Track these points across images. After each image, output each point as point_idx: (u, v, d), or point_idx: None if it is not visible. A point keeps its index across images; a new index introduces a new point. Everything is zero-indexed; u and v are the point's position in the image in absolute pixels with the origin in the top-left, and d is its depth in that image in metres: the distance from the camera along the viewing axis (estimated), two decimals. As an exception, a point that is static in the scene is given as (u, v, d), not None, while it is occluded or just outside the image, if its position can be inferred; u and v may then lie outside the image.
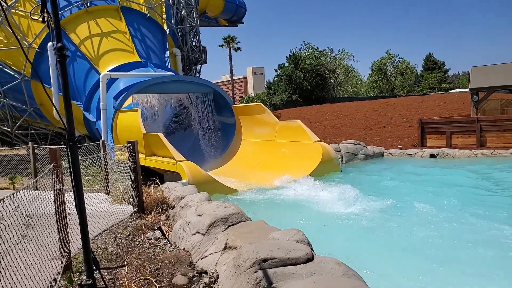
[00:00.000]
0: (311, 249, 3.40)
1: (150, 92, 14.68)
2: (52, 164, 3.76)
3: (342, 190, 9.40)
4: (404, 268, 5.13)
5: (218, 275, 4.01)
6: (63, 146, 8.19)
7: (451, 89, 55.17)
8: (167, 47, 19.30)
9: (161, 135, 11.17)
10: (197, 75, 25.65)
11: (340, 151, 14.80)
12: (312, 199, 9.14)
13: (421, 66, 68.55)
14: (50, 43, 15.04)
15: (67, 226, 4.06)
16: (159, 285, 3.96)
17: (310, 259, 2.98)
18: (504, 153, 14.65)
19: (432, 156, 15.26)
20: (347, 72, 53.58)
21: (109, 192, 8.38)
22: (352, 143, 15.59)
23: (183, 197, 7.12)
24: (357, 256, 5.34)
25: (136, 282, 4.07)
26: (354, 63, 75.29)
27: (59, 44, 2.06)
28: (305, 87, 44.19)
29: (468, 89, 21.96)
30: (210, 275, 4.10)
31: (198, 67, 25.79)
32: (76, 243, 4.20)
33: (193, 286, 3.93)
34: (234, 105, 15.74)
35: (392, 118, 25.04)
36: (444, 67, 68.31)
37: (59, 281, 3.88)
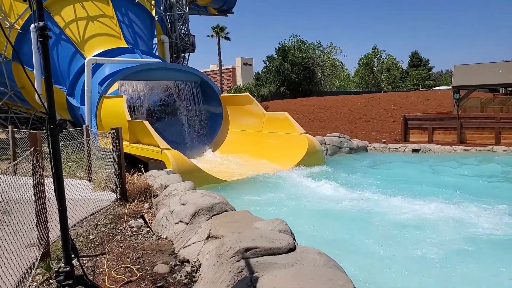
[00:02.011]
0: (294, 239, 3.43)
1: (136, 78, 14.46)
2: (32, 149, 3.67)
3: (326, 182, 9.48)
4: (382, 257, 5.23)
5: (200, 264, 4.00)
6: (44, 130, 8.03)
7: (435, 86, 56.03)
8: (155, 33, 19.00)
9: (146, 123, 11.04)
10: (185, 63, 25.38)
11: (325, 144, 14.90)
12: (296, 189, 9.20)
13: (407, 63, 69.34)
14: (33, 25, 14.63)
15: (46, 212, 3.98)
16: (140, 274, 3.94)
17: (292, 249, 2.99)
18: (482, 149, 15.00)
19: (415, 151, 15.51)
20: (334, 66, 53.77)
21: (91, 179, 8.26)
22: (337, 136, 15.71)
23: (167, 186, 7.07)
24: (339, 246, 5.41)
25: (117, 270, 4.04)
26: (342, 57, 75.80)
27: (41, 24, 1.99)
28: (293, 80, 44.22)
29: (450, 87, 22.33)
30: (192, 264, 4.09)
31: (186, 55, 25.50)
32: (55, 230, 4.13)
33: (174, 275, 3.91)
34: (222, 95, 15.65)
35: (377, 113, 25.31)
36: (429, 65, 69.25)
37: (36, 268, 3.82)
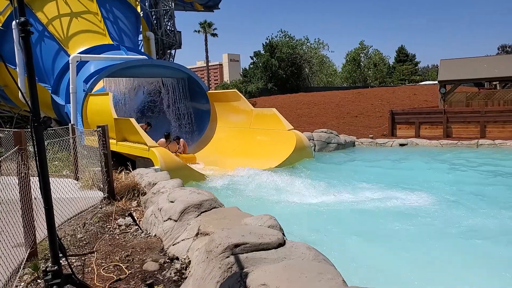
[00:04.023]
0: (283, 234, 3.44)
1: (122, 76, 14.29)
2: (17, 147, 3.60)
3: (313, 178, 9.53)
4: (371, 252, 5.29)
5: (190, 261, 3.99)
6: (29, 129, 7.90)
7: (421, 81, 56.66)
8: (141, 30, 18.78)
9: (133, 120, 10.93)
10: (171, 60, 25.17)
11: (313, 140, 14.97)
12: (284, 186, 9.23)
13: (393, 58, 69.89)
14: (14, 22, 14.33)
15: (32, 211, 3.92)
16: (129, 271, 3.91)
17: (282, 244, 3.01)
18: (468, 143, 15.27)
19: (402, 145, 15.70)
20: (322, 61, 54.03)
21: (78, 177, 8.16)
22: (325, 132, 15.80)
23: (155, 184, 7.02)
24: (327, 239, 5.46)
25: (106, 268, 4.01)
26: (329, 53, 76.26)
27: (22, 19, 1.95)
28: (281, 76, 44.27)
29: (436, 82, 22.62)
30: (181, 261, 4.08)
31: (172, 51, 25.28)
32: (42, 230, 4.07)
33: (164, 272, 3.90)
34: (209, 91, 15.57)
35: (364, 108, 25.51)
36: (415, 60, 69.90)
37: (24, 268, 3.76)
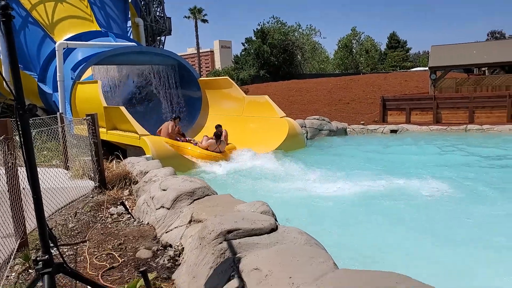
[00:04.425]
0: (275, 219, 3.45)
1: (111, 63, 14.08)
2: (2, 137, 3.54)
3: (306, 164, 9.57)
4: (360, 235, 5.36)
5: (183, 248, 4.00)
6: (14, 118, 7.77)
7: (412, 68, 56.79)
8: (129, 16, 18.47)
9: (123, 109, 10.82)
10: (161, 46, 24.87)
11: (305, 127, 14.98)
12: (277, 173, 9.26)
13: (385, 45, 69.83)
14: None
15: (21, 201, 3.87)
16: (122, 260, 3.90)
17: (274, 229, 3.02)
18: (457, 128, 15.43)
19: (393, 131, 15.79)
20: (314, 48, 53.75)
21: (68, 167, 8.08)
22: (317, 119, 15.80)
23: (147, 172, 6.98)
24: (319, 226, 5.50)
25: (98, 257, 3.99)
26: (321, 39, 75.66)
27: (3, 3, 1.89)
28: (273, 63, 44.00)
29: (427, 68, 22.70)
30: (175, 248, 4.09)
31: (162, 38, 24.97)
32: (32, 219, 4.04)
33: (157, 260, 3.90)
34: (200, 79, 15.44)
35: (356, 94, 25.54)
36: (407, 46, 69.94)
37: (14, 258, 3.74)
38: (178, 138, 11.88)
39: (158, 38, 24.13)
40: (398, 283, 1.80)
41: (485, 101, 16.75)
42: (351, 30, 57.81)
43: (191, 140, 12.21)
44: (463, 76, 26.40)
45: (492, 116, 16.43)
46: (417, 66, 58.37)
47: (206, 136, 11.61)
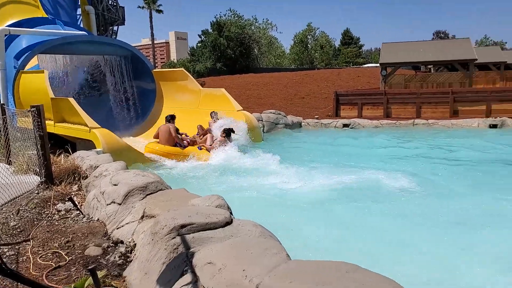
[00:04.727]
0: (230, 213, 3.45)
1: (59, 52, 13.33)
2: None
3: (262, 157, 9.63)
4: (314, 226, 5.50)
5: (135, 244, 3.89)
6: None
7: (365, 64, 58.86)
8: (79, 3, 17.56)
9: (71, 100, 10.30)
10: (114, 36, 23.91)
11: (262, 120, 15.10)
12: (234, 167, 9.25)
13: (339, 41, 71.80)
14: None
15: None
16: (69, 258, 3.73)
17: (229, 222, 3.01)
18: (405, 123, 16.23)
19: (345, 125, 16.31)
20: (270, 42, 54.06)
21: (10, 162, 7.57)
22: (273, 113, 15.98)
23: (97, 166, 6.71)
24: (273, 218, 5.58)
25: (43, 256, 3.79)
26: (278, 34, 76.57)
27: None
28: (229, 56, 43.76)
29: (378, 64, 23.62)
30: (126, 244, 3.97)
31: (115, 28, 24.01)
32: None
33: (108, 257, 3.77)
34: (154, 70, 15.04)
35: (311, 89, 26.08)
36: (359, 43, 72.36)
37: None
38: (180, 144, 10.54)
39: (111, 27, 23.17)
40: (347, 272, 1.86)
41: (430, 97, 17.73)
42: (307, 25, 58.86)
43: (188, 140, 10.88)
44: (411, 73, 27.78)
45: (437, 111, 17.43)
46: (369, 63, 60.57)
47: (209, 133, 10.62)
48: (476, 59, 21.11)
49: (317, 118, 17.71)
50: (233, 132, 10.44)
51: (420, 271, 4.32)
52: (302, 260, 2.01)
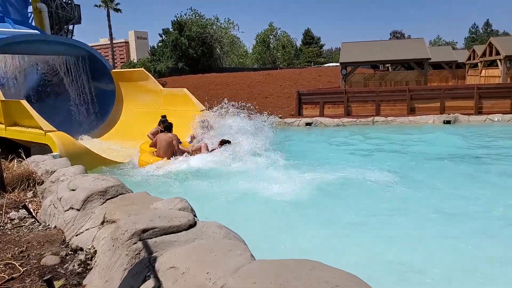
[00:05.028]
0: (194, 215, 3.41)
1: (8, 52, 12.64)
2: None
3: (226, 158, 9.57)
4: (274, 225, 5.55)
5: (96, 250, 3.76)
6: None
7: (326, 63, 60.12)
8: (30, 1, 16.74)
9: (24, 102, 9.80)
10: (70, 35, 22.99)
11: (225, 120, 15.02)
12: (200, 167, 9.14)
13: (300, 41, 72.88)
14: None
15: None
16: (24, 269, 3.54)
17: (192, 225, 2.97)
18: (365, 120, 16.73)
19: (308, 124, 16.59)
20: (232, 42, 53.94)
21: (-44, 169, 7.08)
22: (237, 113, 15.94)
23: (54, 171, 6.42)
24: (238, 218, 5.58)
25: (-5, 268, 3.57)
26: (240, 33, 76.45)
27: None
28: (191, 55, 43.24)
29: (339, 64, 24.20)
30: (86, 251, 3.83)
31: (71, 27, 23.09)
32: None
33: (66, 265, 3.61)
34: (113, 70, 14.60)
35: (274, 89, 26.29)
36: (320, 42, 73.80)
37: None
38: (179, 156, 9.45)
39: (66, 26, 22.25)
40: (311, 269, 1.88)
41: (389, 95, 18.38)
42: (269, 25, 59.25)
43: (187, 151, 9.77)
44: (370, 72, 28.65)
45: (395, 108, 18.10)
46: (330, 62, 61.94)
47: (205, 144, 9.75)
48: (430, 58, 22.11)
49: (280, 118, 17.88)
50: (229, 143, 9.63)
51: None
52: (266, 259, 2.02)
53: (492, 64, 24.39)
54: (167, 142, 9.14)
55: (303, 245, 4.93)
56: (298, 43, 70.46)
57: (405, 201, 6.56)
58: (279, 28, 61.48)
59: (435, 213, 5.98)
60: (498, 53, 22.33)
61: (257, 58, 60.35)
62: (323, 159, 9.93)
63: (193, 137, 10.41)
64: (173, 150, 9.30)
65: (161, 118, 10.30)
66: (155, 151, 9.44)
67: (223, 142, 9.55)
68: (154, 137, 9.58)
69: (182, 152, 9.41)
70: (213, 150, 9.41)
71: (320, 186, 7.34)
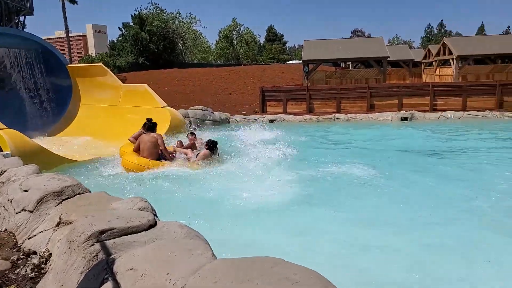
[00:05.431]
0: (155, 215, 3.34)
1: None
2: None
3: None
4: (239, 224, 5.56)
5: (50, 254, 3.60)
6: None
7: (289, 60, 60.75)
8: (-25, -11, 15.68)
9: (-30, 98, 9.19)
10: (21, 27, 21.77)
11: (188, 117, 14.85)
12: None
13: (263, 37, 73.13)
14: None
15: None
16: (-29, 276, 3.33)
17: (153, 225, 2.91)
18: (326, 117, 17.09)
19: (271, 121, 16.71)
20: (195, 37, 53.25)
21: None
22: (200, 109, 15.82)
23: (4, 171, 6.07)
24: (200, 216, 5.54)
25: None
26: (202, 29, 75.53)
27: None
28: (152, 50, 42.28)
29: (301, 61, 24.52)
30: (40, 255, 3.65)
31: (22, 18, 21.87)
32: None
33: (18, 270, 3.43)
34: (69, 65, 14.00)
35: (238, 85, 26.25)
36: (283, 39, 74.40)
37: None
38: (165, 157, 8.74)
39: (17, 17, 21.04)
40: (272, 266, 1.89)
41: (349, 93, 18.85)
42: (232, 21, 59.01)
43: (174, 153, 9.13)
44: (332, 70, 29.26)
45: (355, 106, 18.61)
46: (293, 59, 62.66)
47: (190, 149, 9.19)
48: (389, 57, 22.88)
49: (244, 114, 17.90)
50: (216, 146, 8.99)
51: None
52: (227, 258, 2.01)
53: (445, 63, 25.62)
54: (151, 143, 8.43)
55: (265, 245, 4.96)
56: (262, 39, 70.79)
57: (364, 186, 6.80)
58: (242, 24, 61.37)
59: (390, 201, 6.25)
60: (451, 53, 23.48)
61: (220, 54, 60.00)
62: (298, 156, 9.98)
63: (180, 144, 9.66)
64: (158, 150, 8.57)
65: (146, 120, 9.59)
66: (140, 153, 8.61)
67: (210, 144, 8.91)
68: (137, 140, 8.83)
69: (169, 153, 8.80)
70: (200, 153, 8.87)
71: (289, 184, 7.38)
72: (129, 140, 9.27)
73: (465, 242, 4.92)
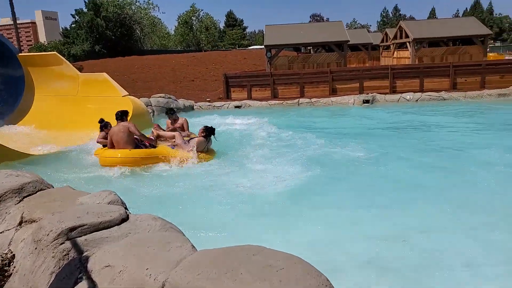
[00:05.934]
0: (126, 208, 3.23)
1: None
2: None
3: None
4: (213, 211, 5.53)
5: (14, 255, 3.41)
6: None
7: (250, 46, 60.39)
8: None
9: None
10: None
11: (151, 105, 14.48)
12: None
13: (223, 23, 72.17)
14: None
15: None
16: None
17: (125, 219, 2.82)
18: (291, 102, 17.22)
19: (237, 107, 16.63)
20: (153, 23, 51.62)
21: None
22: (163, 97, 15.45)
23: (-45, 170, 5.66)
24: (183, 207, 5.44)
25: None
26: (161, 14, 73.25)
27: None
28: (109, 37, 40.62)
29: (263, 46, 24.42)
30: (2, 257, 3.45)
31: (-38, 4, 20.19)
32: None
33: (-22, 275, 3.23)
34: (20, 54, 13.18)
35: (200, 72, 25.83)
36: (243, 25, 73.83)
37: None
38: (143, 144, 8.07)
39: (-44, 2, 19.44)
40: (254, 254, 1.88)
41: (312, 77, 19.04)
42: (191, 7, 57.65)
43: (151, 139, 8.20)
44: (294, 54, 29.38)
45: (318, 90, 18.84)
46: (254, 45, 62.34)
47: (179, 132, 8.37)
48: (349, 41, 23.25)
49: (209, 101, 17.68)
50: (213, 133, 8.15)
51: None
52: (208, 249, 1.98)
53: (402, 46, 26.40)
54: (123, 132, 7.64)
55: (244, 234, 4.95)
56: (221, 25, 69.83)
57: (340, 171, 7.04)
58: (202, 10, 60.09)
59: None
60: (407, 36, 24.20)
61: (180, 40, 58.62)
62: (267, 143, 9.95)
63: (158, 127, 8.97)
64: (133, 138, 7.81)
65: (99, 123, 8.78)
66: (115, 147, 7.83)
67: (207, 130, 8.04)
68: (106, 138, 8.13)
69: (149, 140, 8.03)
70: (194, 139, 8.04)
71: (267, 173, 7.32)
72: (97, 142, 8.73)
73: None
